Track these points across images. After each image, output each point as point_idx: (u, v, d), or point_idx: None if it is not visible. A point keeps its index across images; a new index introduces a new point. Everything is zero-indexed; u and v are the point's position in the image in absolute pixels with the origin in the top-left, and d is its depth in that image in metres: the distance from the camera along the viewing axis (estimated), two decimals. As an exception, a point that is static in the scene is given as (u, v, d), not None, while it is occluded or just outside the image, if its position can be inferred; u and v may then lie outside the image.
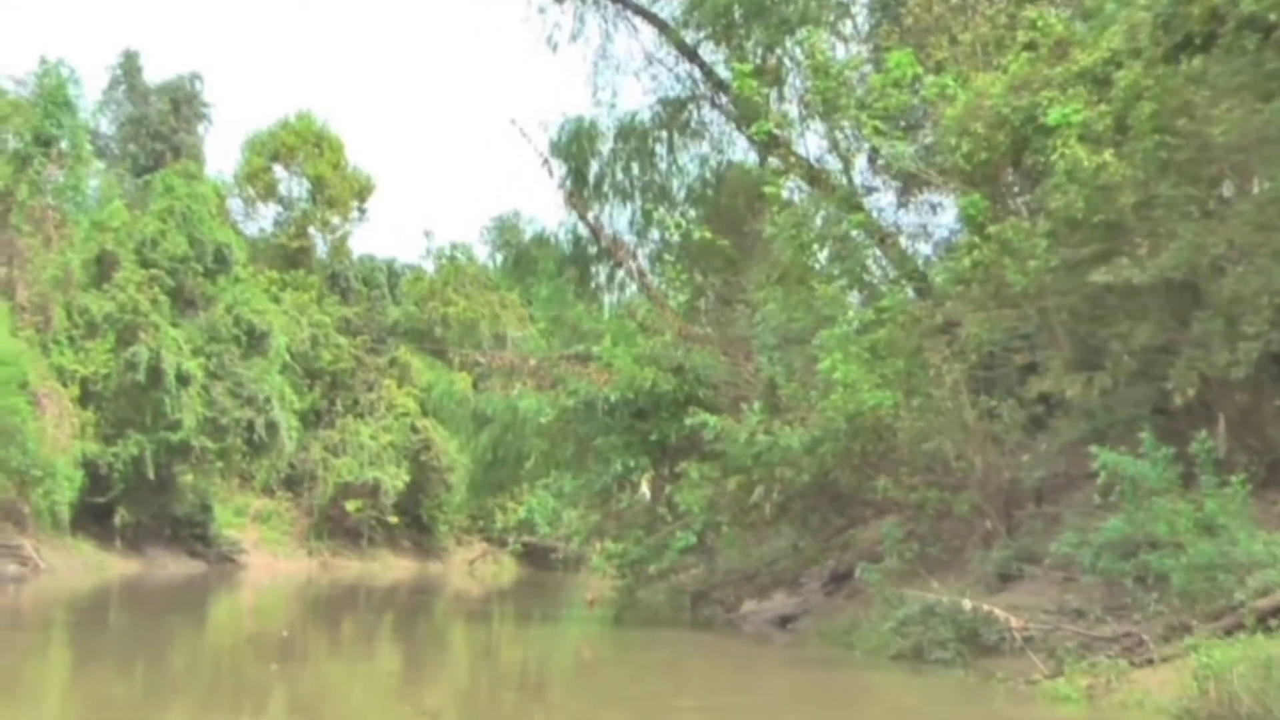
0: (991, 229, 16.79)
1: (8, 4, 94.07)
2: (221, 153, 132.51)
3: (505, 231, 33.39)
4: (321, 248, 68.01)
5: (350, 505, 59.99)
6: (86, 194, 42.62)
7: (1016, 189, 18.99)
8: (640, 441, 24.55)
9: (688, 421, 22.14)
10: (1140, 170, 15.46)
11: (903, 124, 20.65)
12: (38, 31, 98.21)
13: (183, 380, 43.97)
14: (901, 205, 26.89)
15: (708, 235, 24.16)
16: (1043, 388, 17.94)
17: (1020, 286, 16.70)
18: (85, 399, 41.95)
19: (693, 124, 31.23)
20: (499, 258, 35.58)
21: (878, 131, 19.16)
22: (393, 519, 62.15)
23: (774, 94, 26.81)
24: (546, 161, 28.67)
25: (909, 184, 24.94)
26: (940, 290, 18.54)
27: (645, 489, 24.52)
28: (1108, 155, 15.30)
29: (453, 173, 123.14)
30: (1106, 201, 15.53)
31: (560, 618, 31.05)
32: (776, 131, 24.04)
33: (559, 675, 18.82)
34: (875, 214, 24.81)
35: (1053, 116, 15.83)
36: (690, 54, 29.77)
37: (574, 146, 30.87)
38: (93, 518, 42.88)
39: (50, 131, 38.09)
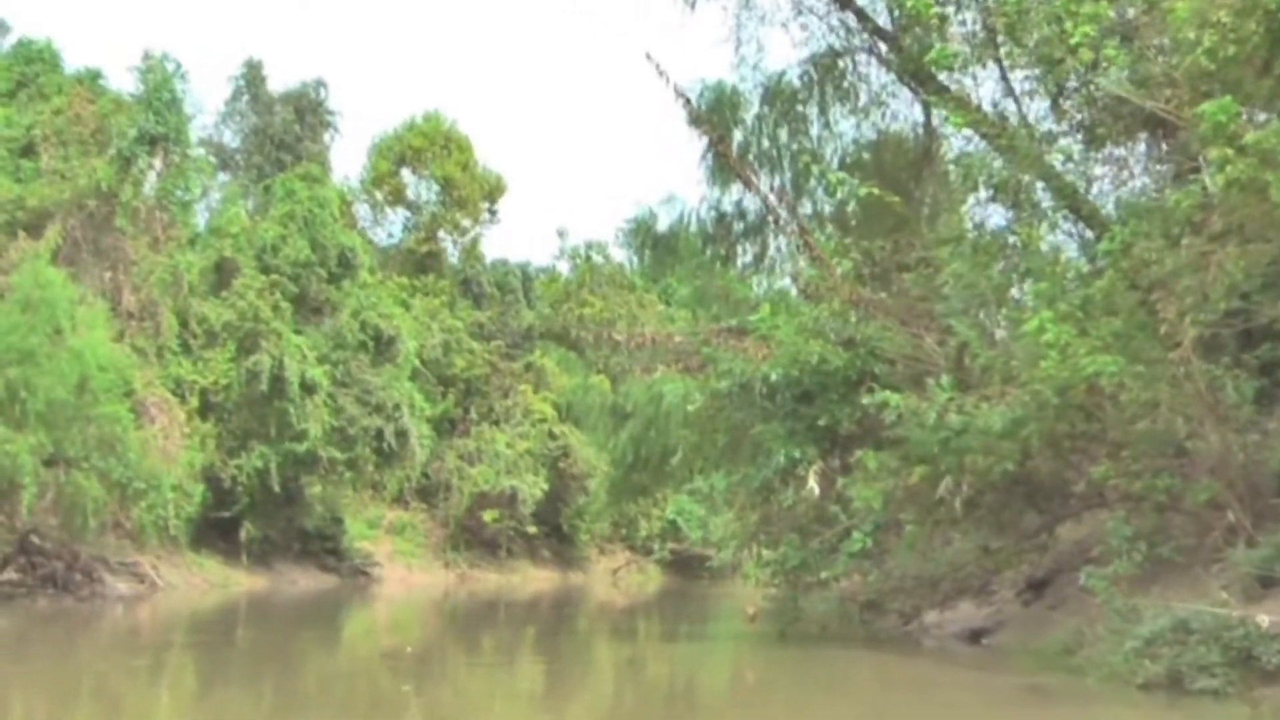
0: (1250, 137, 13.43)
1: (129, 15, 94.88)
2: (348, 162, 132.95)
3: (640, 231, 30.72)
4: (452, 252, 66.79)
5: (487, 515, 58.45)
6: (196, 192, 40.86)
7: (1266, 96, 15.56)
8: (806, 428, 21.28)
9: (864, 401, 18.94)
10: None
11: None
12: (159, 43, 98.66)
13: (307, 389, 42.10)
14: (1086, 156, 23.64)
15: (875, 192, 21.19)
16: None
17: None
18: (206, 410, 40.29)
19: (848, 80, 28.29)
20: (634, 260, 33.17)
21: (1086, 39, 15.89)
22: (531, 529, 60.62)
23: (937, 40, 23.73)
24: (688, 102, 25.71)
25: (1096, 129, 21.64)
26: (1175, 225, 15.19)
27: (813, 483, 21.50)
28: None
29: (585, 169, 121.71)
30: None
31: (714, 634, 28.82)
32: (944, 80, 21.10)
33: (715, 698, 16.59)
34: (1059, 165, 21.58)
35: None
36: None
37: (715, 115, 28.02)
38: (217, 533, 41.43)
39: (155, 129, 36.24)
